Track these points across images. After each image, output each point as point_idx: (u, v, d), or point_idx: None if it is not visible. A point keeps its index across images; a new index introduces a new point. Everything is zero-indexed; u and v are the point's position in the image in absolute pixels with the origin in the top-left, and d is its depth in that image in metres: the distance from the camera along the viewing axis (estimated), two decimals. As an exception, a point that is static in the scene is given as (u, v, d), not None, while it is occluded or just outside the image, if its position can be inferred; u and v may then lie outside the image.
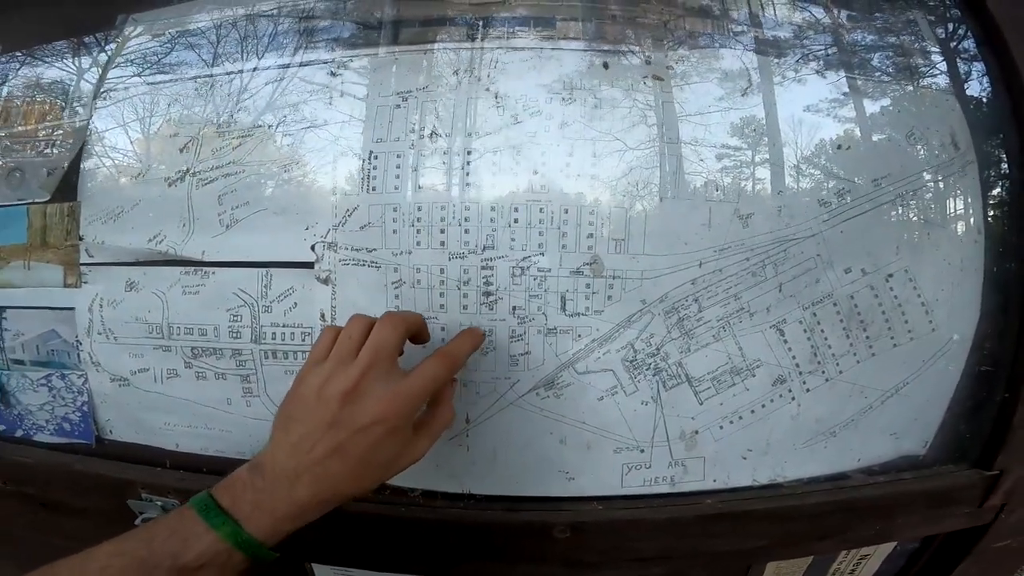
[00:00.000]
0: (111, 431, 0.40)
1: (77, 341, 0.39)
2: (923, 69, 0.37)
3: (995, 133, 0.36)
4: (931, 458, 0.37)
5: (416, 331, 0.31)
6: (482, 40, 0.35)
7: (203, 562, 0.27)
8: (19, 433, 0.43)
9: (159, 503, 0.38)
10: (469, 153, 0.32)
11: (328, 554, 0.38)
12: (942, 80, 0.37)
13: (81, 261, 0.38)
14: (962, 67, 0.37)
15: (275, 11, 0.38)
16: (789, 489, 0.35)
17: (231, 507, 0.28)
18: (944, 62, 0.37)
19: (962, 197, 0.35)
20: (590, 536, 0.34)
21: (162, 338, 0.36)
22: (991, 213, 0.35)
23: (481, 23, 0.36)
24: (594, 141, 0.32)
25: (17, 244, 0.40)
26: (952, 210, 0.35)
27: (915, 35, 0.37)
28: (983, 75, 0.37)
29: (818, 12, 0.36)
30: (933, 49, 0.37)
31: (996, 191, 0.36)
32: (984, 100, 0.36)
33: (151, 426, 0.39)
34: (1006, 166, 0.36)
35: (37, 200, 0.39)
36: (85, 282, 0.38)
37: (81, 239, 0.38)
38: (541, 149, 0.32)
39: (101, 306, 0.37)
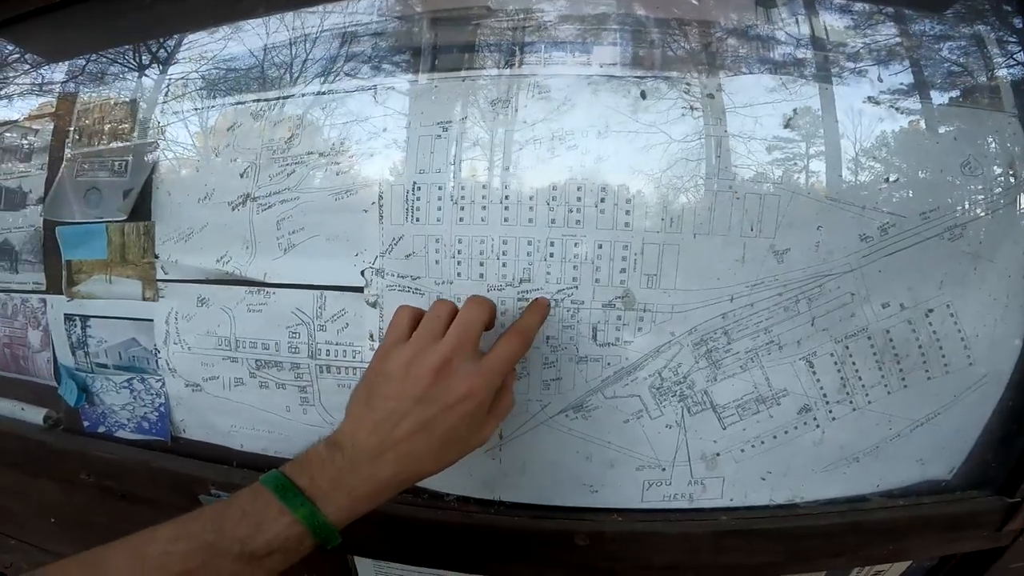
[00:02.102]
0: (184, 430, 0.46)
1: (156, 349, 0.44)
2: (985, 91, 0.35)
3: None
4: (955, 484, 0.38)
5: (493, 317, 0.31)
6: (519, 66, 0.36)
7: (273, 548, 0.26)
8: (102, 430, 0.49)
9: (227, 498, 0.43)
10: (507, 187, 0.34)
11: (371, 549, 0.42)
12: (1007, 103, 0.35)
13: (157, 277, 0.42)
14: None
15: (320, 34, 0.39)
16: (805, 509, 0.37)
17: (308, 487, 0.27)
18: (1010, 84, 0.35)
19: (1013, 230, 0.34)
20: (609, 545, 0.37)
21: (230, 350, 0.41)
22: (1046, 247, 0.34)
23: (518, 48, 0.36)
24: (630, 175, 0.33)
25: (99, 259, 0.45)
26: (1002, 243, 0.34)
27: (979, 55, 0.35)
28: None
29: (870, 33, 0.34)
30: (998, 70, 0.35)
31: None
32: None
33: (219, 428, 0.44)
34: None
35: (115, 219, 0.44)
36: (162, 296, 0.43)
37: (157, 257, 0.42)
38: (577, 184, 0.33)
39: (176, 319, 0.42)
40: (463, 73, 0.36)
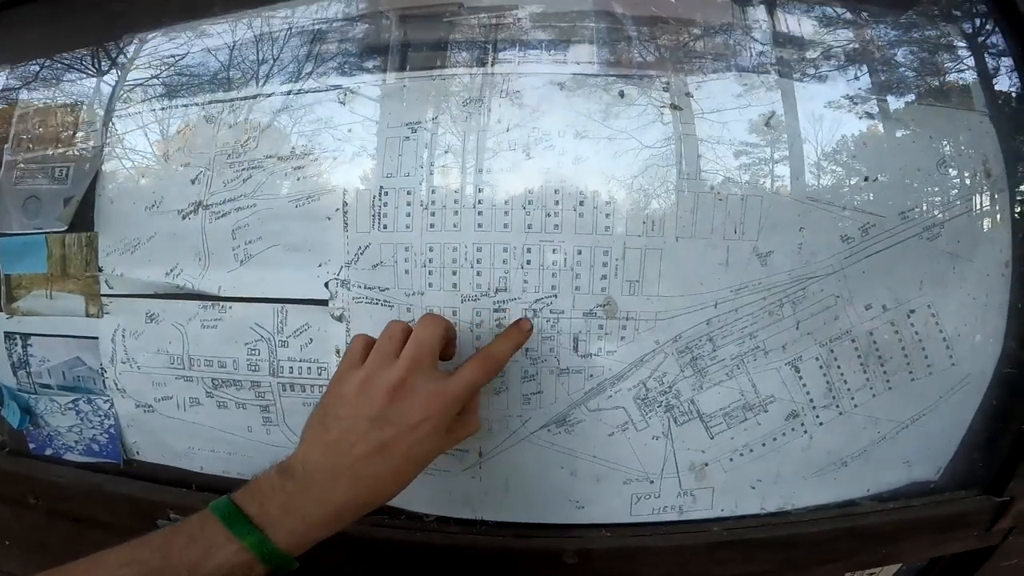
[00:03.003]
0: (138, 452, 0.43)
1: (102, 368, 0.41)
2: (958, 91, 0.35)
3: None
4: (943, 484, 0.38)
5: (450, 337, 0.31)
6: (492, 65, 0.34)
7: (223, 574, 0.25)
8: (49, 452, 0.46)
9: (188, 521, 0.41)
10: (480, 191, 0.32)
11: (346, 575, 0.39)
12: (978, 102, 0.35)
13: (101, 292, 0.39)
14: (999, 87, 0.36)
15: (283, 33, 0.37)
16: (796, 516, 0.36)
17: (257, 515, 0.26)
18: (980, 83, 0.35)
19: (991, 228, 0.34)
20: (599, 562, 0.36)
21: (183, 368, 0.38)
22: (1021, 245, 0.35)
23: (491, 47, 0.35)
24: (609, 178, 0.32)
25: (38, 273, 0.42)
26: (980, 242, 0.34)
27: (950, 55, 0.35)
28: (1021, 97, 0.35)
29: (846, 33, 0.34)
30: (969, 69, 0.35)
31: None
32: (1021, 124, 0.35)
33: (176, 449, 0.41)
34: None
35: (55, 230, 0.41)
36: (107, 313, 0.39)
37: (100, 270, 0.39)
38: (554, 187, 0.32)
39: (123, 336, 0.39)
40: (434, 72, 0.35)
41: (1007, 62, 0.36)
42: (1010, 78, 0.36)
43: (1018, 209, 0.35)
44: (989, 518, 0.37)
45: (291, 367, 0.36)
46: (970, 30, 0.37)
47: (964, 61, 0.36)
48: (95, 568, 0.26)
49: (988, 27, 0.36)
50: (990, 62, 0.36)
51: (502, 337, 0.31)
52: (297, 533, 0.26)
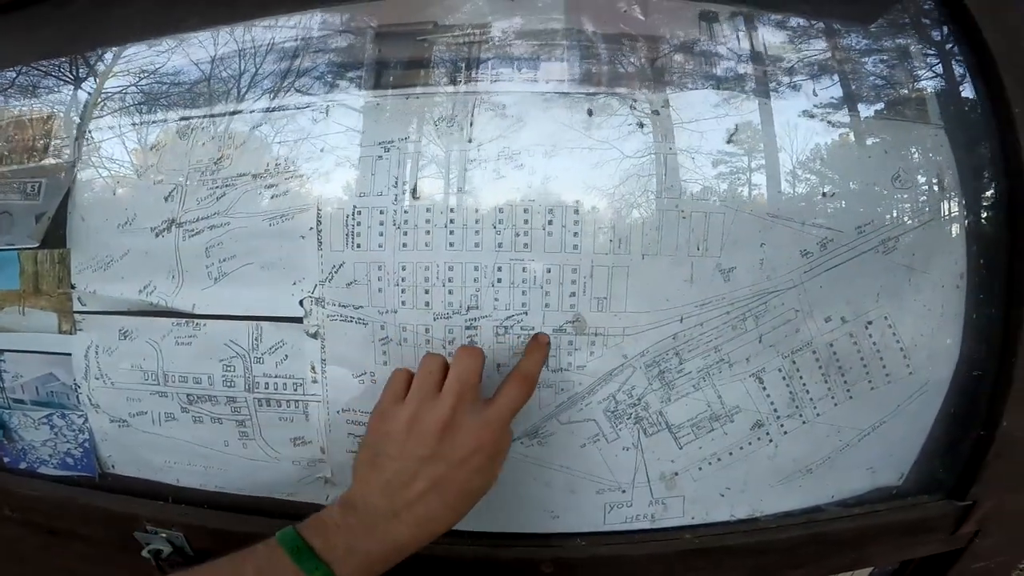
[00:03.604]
0: (113, 466, 0.43)
1: (75, 384, 0.41)
2: (913, 104, 0.37)
3: (983, 173, 0.37)
4: (906, 489, 0.40)
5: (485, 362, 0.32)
6: (465, 84, 0.36)
7: None
8: (23, 466, 0.46)
9: (164, 535, 0.41)
10: (452, 211, 0.33)
11: None
12: (933, 115, 0.37)
13: (74, 309, 0.40)
14: (954, 100, 0.38)
15: (257, 50, 0.38)
16: (765, 523, 0.38)
17: (323, 549, 0.27)
18: (935, 95, 0.38)
19: (945, 241, 0.36)
20: (574, 571, 0.37)
21: (158, 384, 0.39)
22: (975, 257, 0.37)
23: (463, 65, 0.36)
24: (577, 198, 0.33)
25: (11, 290, 0.42)
26: (935, 255, 0.36)
27: (905, 68, 0.37)
28: (975, 110, 0.37)
29: (803, 48, 0.36)
30: (925, 82, 0.37)
31: (980, 233, 0.37)
32: (974, 137, 0.37)
33: (152, 463, 0.42)
34: (992, 208, 0.37)
35: (27, 246, 0.41)
36: (80, 330, 0.40)
37: (73, 287, 0.40)
38: (524, 206, 0.33)
39: (97, 353, 0.40)
40: (407, 91, 0.36)
41: (962, 74, 0.38)
42: (965, 90, 0.38)
43: (973, 221, 0.37)
44: (953, 522, 0.40)
45: (267, 383, 0.37)
46: (926, 44, 0.39)
47: (920, 74, 0.38)
48: None
49: (944, 40, 0.39)
50: (945, 75, 0.38)
51: (528, 356, 0.32)
52: (360, 569, 0.27)
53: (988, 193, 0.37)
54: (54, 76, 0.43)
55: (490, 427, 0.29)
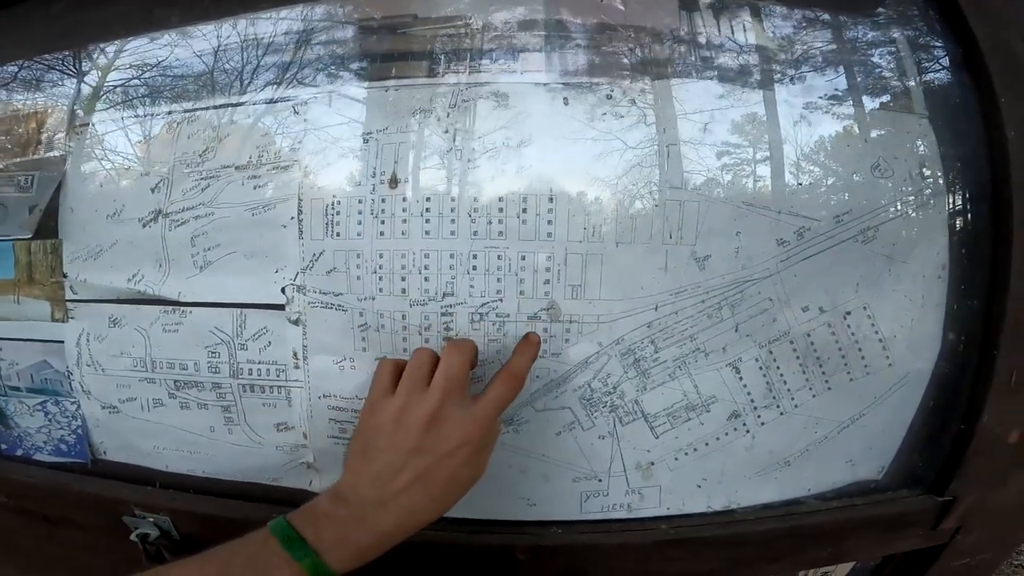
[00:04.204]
0: (105, 452, 0.46)
1: (68, 371, 0.44)
2: (895, 94, 0.38)
3: (967, 161, 0.38)
4: (887, 484, 0.41)
5: (474, 357, 0.34)
6: (443, 76, 0.37)
7: None
8: (19, 452, 0.49)
9: (151, 519, 0.44)
10: (428, 199, 0.35)
11: None
12: (918, 105, 0.38)
13: (66, 297, 0.42)
14: (939, 91, 0.38)
15: (239, 45, 0.40)
16: (742, 515, 0.39)
17: (313, 539, 0.29)
18: (920, 86, 0.38)
19: (927, 231, 0.37)
20: (550, 559, 0.39)
21: (146, 371, 0.41)
22: (957, 248, 0.38)
23: (442, 57, 0.38)
24: (550, 186, 0.35)
25: (5, 279, 0.45)
26: (916, 245, 0.37)
27: (891, 57, 0.38)
28: (960, 100, 0.38)
29: (785, 38, 0.37)
30: (910, 73, 0.38)
31: (963, 224, 0.38)
32: (958, 127, 0.38)
33: (142, 449, 0.44)
34: (975, 198, 0.37)
35: (21, 237, 0.44)
36: (72, 318, 0.42)
37: (65, 276, 0.42)
38: (498, 195, 0.35)
39: (88, 340, 0.42)
40: (387, 83, 0.37)
41: (947, 63, 0.38)
42: (950, 80, 0.39)
43: (956, 211, 0.38)
44: (933, 518, 0.40)
45: (250, 369, 0.39)
46: (911, 33, 0.39)
47: (904, 64, 0.38)
48: None
49: (929, 30, 0.39)
50: (930, 64, 0.39)
51: (518, 353, 0.34)
52: (347, 559, 0.29)
53: (972, 183, 0.38)
54: (46, 73, 0.45)
55: (477, 422, 0.31)
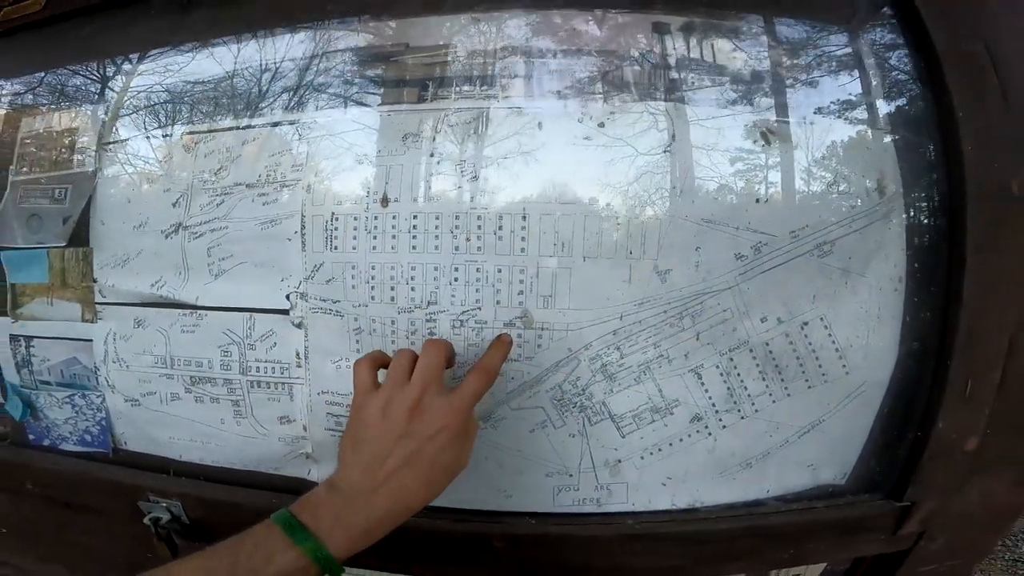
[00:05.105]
0: (125, 443, 0.54)
1: (95, 367, 0.52)
2: (858, 109, 0.42)
3: (925, 177, 0.42)
4: (850, 488, 0.46)
5: (450, 354, 0.39)
6: (431, 101, 0.44)
7: None
8: (46, 443, 0.57)
9: (164, 504, 0.51)
10: (415, 217, 0.42)
11: None
12: (878, 119, 0.42)
13: (96, 300, 0.50)
14: (901, 106, 0.43)
15: (248, 71, 0.47)
16: (705, 514, 0.45)
17: (312, 525, 0.33)
18: (882, 100, 0.42)
19: (884, 244, 0.42)
20: (524, 547, 0.45)
21: (166, 368, 0.49)
22: (914, 261, 0.42)
23: (431, 84, 0.44)
24: (523, 205, 0.41)
25: (40, 283, 0.53)
26: (872, 258, 0.42)
27: (853, 73, 0.42)
28: (921, 114, 0.42)
29: (743, 55, 0.42)
30: (872, 86, 0.42)
31: (919, 237, 0.42)
32: (917, 141, 0.42)
33: (158, 439, 0.52)
34: (933, 213, 0.42)
35: (55, 245, 0.52)
36: (100, 319, 0.50)
37: (95, 281, 0.50)
38: (477, 213, 0.41)
39: (114, 339, 0.50)
40: (380, 109, 0.44)
41: (907, 78, 0.42)
42: (913, 95, 0.43)
43: (913, 225, 0.42)
44: (893, 522, 0.45)
45: (258, 367, 0.46)
46: (876, 47, 0.43)
47: (864, 78, 0.43)
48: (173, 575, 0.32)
49: (890, 44, 0.43)
50: (890, 79, 0.43)
51: (491, 351, 0.39)
52: (344, 541, 0.33)
53: (929, 197, 0.42)
54: (77, 92, 0.53)
55: (454, 409, 0.36)
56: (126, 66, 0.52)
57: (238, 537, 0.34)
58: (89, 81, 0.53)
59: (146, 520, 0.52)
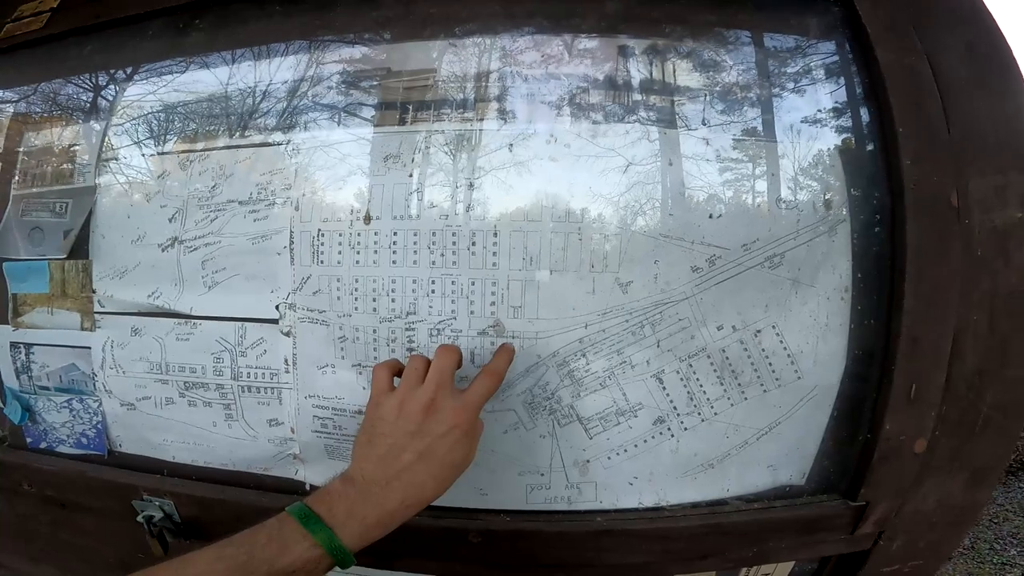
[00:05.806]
0: (120, 445, 0.59)
1: (93, 373, 0.57)
2: (805, 125, 0.48)
3: (869, 191, 0.47)
4: (809, 488, 0.51)
5: (458, 359, 0.43)
6: (410, 124, 0.49)
7: (296, 568, 0.35)
8: (44, 445, 0.63)
9: (157, 503, 0.57)
10: (395, 234, 0.47)
11: None
12: (824, 135, 0.48)
13: (95, 310, 0.56)
14: (847, 122, 0.48)
15: (239, 92, 0.53)
16: (670, 512, 0.50)
17: (327, 515, 0.36)
18: (828, 116, 0.48)
19: (831, 256, 0.47)
20: (499, 543, 0.50)
21: (161, 374, 0.54)
22: (858, 271, 0.47)
23: (411, 107, 0.50)
24: (494, 222, 0.47)
25: (41, 293, 0.59)
26: (820, 269, 0.47)
27: (801, 89, 0.48)
28: (865, 130, 0.47)
29: (696, 75, 0.48)
30: (820, 104, 0.48)
31: (864, 249, 0.47)
32: (862, 157, 0.47)
33: (153, 441, 0.57)
34: (876, 225, 0.47)
35: (56, 257, 0.57)
36: (99, 327, 0.56)
37: (94, 292, 0.56)
38: (452, 230, 0.47)
39: (112, 347, 0.56)
40: (363, 131, 0.50)
41: (858, 94, 0.48)
42: (859, 111, 0.48)
43: (857, 237, 0.48)
44: (849, 522, 0.50)
45: (249, 373, 0.52)
46: (818, 66, 0.49)
47: (813, 96, 0.48)
48: (188, 566, 0.34)
49: (837, 64, 0.49)
50: (839, 96, 0.48)
51: (497, 356, 0.44)
52: (357, 532, 0.36)
53: (872, 211, 0.48)
54: (78, 110, 0.59)
55: (465, 408, 0.40)
56: (124, 84, 0.58)
57: (252, 529, 0.37)
58: (88, 98, 0.59)
59: (139, 518, 0.57)
